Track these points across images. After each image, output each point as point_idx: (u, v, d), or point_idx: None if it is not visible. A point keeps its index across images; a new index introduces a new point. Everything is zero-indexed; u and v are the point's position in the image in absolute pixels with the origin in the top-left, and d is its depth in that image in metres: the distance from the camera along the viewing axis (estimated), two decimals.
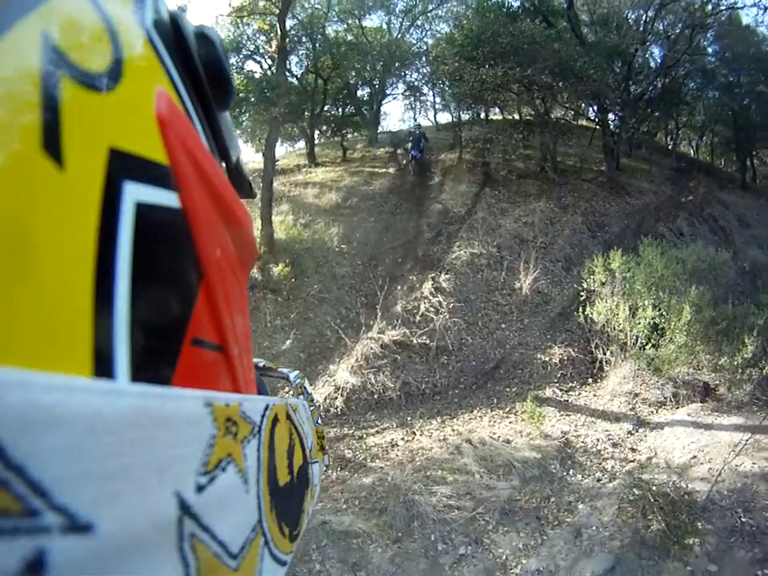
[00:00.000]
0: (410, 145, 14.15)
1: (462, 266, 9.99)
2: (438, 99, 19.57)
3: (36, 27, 0.28)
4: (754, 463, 5.43)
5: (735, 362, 6.98)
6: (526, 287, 9.64)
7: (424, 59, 17.91)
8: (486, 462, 6.19)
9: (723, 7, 15.07)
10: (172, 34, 0.45)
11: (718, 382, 7.53)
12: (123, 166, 0.32)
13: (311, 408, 0.82)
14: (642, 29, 15.23)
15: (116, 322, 0.30)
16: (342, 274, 10.39)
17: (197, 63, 0.48)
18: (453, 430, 7.04)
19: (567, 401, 7.68)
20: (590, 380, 8.19)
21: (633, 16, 16.14)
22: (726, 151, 20.59)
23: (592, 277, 8.38)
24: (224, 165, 0.56)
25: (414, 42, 18.98)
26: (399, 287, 9.74)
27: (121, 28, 0.35)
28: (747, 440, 5.20)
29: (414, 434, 7.06)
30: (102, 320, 0.29)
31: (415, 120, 19.94)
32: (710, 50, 17.53)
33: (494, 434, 6.85)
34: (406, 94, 19.24)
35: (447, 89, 16.13)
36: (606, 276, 8.22)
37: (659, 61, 16.17)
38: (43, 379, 0.21)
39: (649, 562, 4.49)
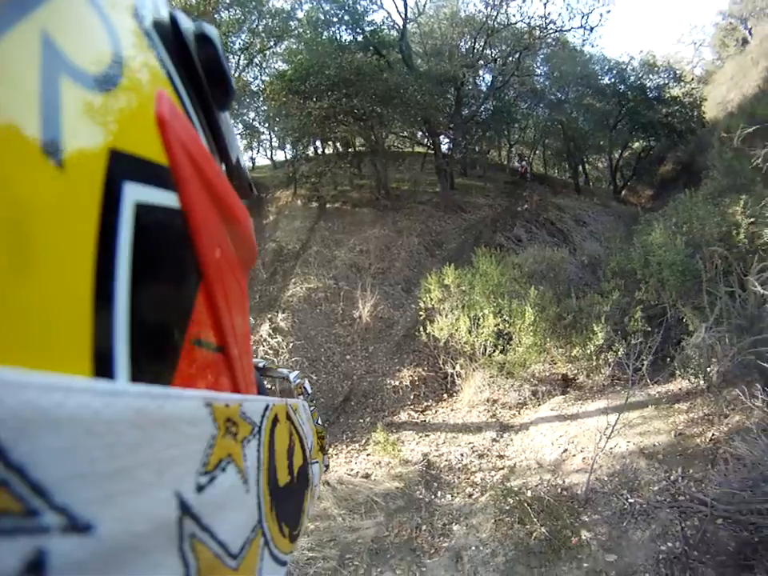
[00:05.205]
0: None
1: (298, 303, 9.70)
2: (273, 137, 19.20)
3: (36, 27, 0.27)
4: (628, 441, 5.37)
5: (588, 350, 7.16)
6: (366, 315, 9.50)
7: (261, 98, 17.52)
8: (347, 501, 5.69)
9: (551, 31, 16.73)
10: (171, 34, 0.45)
11: (576, 372, 7.68)
12: (123, 167, 0.32)
13: (311, 408, 0.81)
14: (472, 56, 16.41)
15: (116, 323, 0.30)
16: None
17: (196, 63, 0.47)
18: None
19: (424, 421, 7.44)
20: (445, 395, 8.04)
21: (464, 45, 17.39)
22: (559, 161, 22.82)
23: (428, 295, 8.23)
24: (224, 165, 0.55)
25: (252, 80, 18.67)
26: None
27: (120, 29, 0.35)
28: (616, 421, 5.07)
29: None
30: (102, 320, 0.29)
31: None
32: (538, 71, 19.42)
33: (352, 470, 6.41)
34: (244, 133, 18.47)
35: (278, 125, 15.87)
36: (442, 292, 8.11)
37: (489, 84, 17.43)
38: (43, 379, 0.21)
39: (540, 569, 4.08)
